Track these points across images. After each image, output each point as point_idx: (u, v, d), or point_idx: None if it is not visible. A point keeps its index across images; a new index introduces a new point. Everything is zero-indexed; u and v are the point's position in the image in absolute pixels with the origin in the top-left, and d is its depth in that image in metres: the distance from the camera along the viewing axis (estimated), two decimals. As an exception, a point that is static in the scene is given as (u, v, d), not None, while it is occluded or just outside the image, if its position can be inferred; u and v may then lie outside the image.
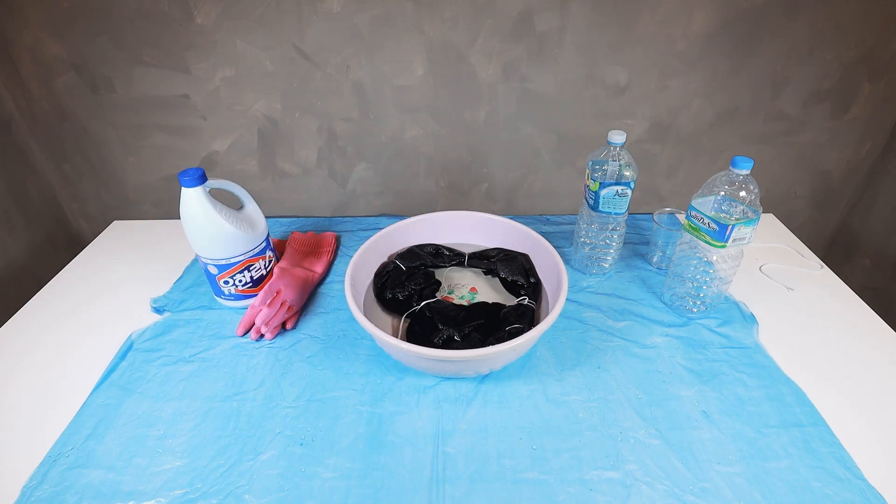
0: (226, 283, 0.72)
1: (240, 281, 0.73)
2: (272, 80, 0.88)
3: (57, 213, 1.02)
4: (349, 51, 0.85)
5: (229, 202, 0.73)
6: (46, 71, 0.85)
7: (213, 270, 0.71)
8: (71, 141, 0.93)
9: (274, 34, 0.83)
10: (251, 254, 0.72)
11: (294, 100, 0.91)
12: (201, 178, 0.65)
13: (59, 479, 0.54)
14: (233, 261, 0.71)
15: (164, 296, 0.81)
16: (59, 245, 1.03)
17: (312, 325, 0.75)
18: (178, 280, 0.85)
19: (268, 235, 0.76)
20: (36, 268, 0.95)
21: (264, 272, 0.76)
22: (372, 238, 0.77)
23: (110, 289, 0.83)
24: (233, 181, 0.73)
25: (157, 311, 0.78)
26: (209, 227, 0.67)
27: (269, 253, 0.76)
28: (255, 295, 0.74)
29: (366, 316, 0.60)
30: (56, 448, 0.57)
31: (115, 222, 1.03)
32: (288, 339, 0.72)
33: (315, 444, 0.57)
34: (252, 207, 0.75)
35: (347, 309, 0.77)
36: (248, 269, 0.73)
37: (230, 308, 0.77)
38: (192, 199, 0.65)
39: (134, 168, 0.98)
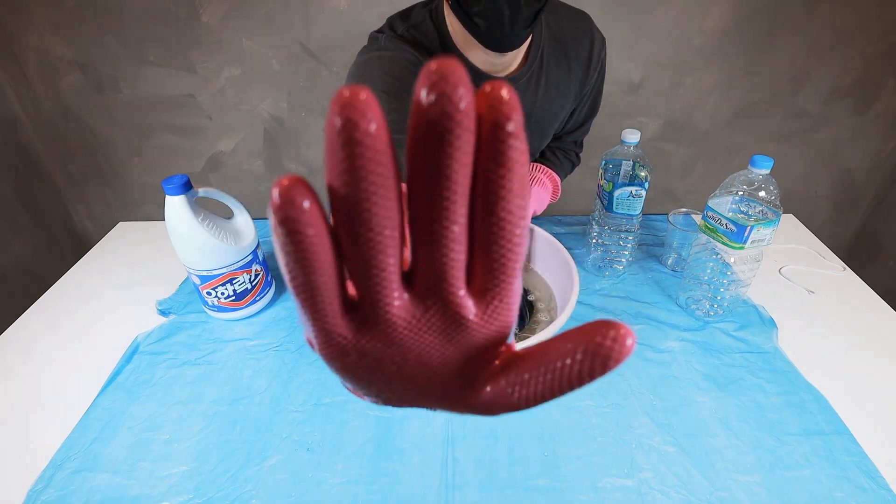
0: (209, 293, 0.71)
1: (222, 294, 0.71)
2: (278, 78, 0.87)
3: (62, 214, 1.02)
4: (357, 48, 0.84)
5: (222, 210, 0.72)
6: (52, 71, 0.85)
7: (196, 280, 0.70)
8: (76, 141, 0.93)
9: (280, 32, 0.82)
10: (234, 267, 0.70)
11: (300, 99, 0.90)
12: (185, 187, 0.64)
13: (64, 483, 0.53)
14: (214, 273, 0.69)
15: (169, 298, 0.80)
16: (65, 247, 1.03)
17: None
18: (183, 282, 0.84)
19: (256, 248, 0.73)
20: (41, 269, 0.95)
21: (249, 286, 0.73)
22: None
23: (116, 291, 0.83)
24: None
25: (163, 313, 0.77)
26: (190, 237, 0.66)
27: (255, 266, 0.73)
28: (241, 308, 0.73)
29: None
30: (61, 451, 0.57)
31: (120, 223, 1.02)
32: (295, 342, 0.71)
33: (322, 449, 0.56)
34: (243, 218, 0.73)
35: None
36: (230, 282, 0.70)
37: (218, 319, 0.76)
38: (175, 208, 0.64)
39: (139, 168, 0.98)
